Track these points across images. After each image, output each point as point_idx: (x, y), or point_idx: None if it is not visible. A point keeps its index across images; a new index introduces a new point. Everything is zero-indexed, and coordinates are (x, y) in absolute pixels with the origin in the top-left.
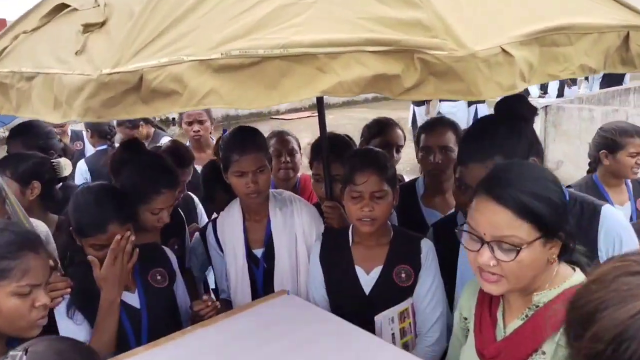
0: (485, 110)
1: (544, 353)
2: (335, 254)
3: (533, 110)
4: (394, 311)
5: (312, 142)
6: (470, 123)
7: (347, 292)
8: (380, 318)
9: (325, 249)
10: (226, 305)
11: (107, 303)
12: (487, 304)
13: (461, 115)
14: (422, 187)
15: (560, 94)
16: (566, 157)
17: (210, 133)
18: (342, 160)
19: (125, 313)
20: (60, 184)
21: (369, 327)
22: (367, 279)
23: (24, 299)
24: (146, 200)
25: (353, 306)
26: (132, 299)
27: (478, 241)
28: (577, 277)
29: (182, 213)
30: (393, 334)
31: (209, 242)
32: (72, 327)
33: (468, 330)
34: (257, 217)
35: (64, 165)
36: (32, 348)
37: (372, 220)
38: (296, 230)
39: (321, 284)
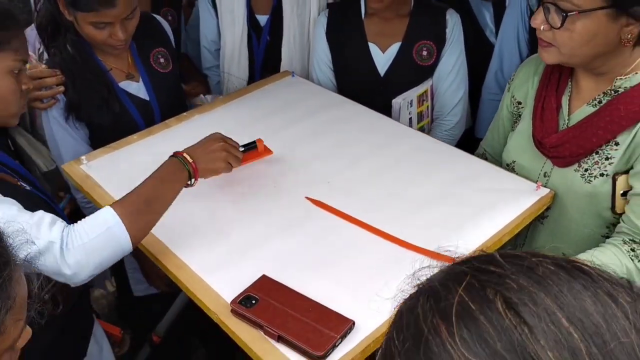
0: None
1: (617, 144)
2: (344, 29)
3: None
4: (413, 93)
5: None
6: None
7: (359, 73)
8: (398, 101)
9: (333, 22)
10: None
11: None
12: (554, 86)
13: None
14: None
15: None
16: None
17: None
18: None
19: (135, 106)
20: None
21: (383, 112)
22: (383, 58)
23: (16, 78)
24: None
25: (365, 90)
26: (139, 89)
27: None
28: None
29: None
30: (410, 118)
31: None
32: (71, 137)
33: (519, 116)
34: None
35: None
36: None
37: None
38: None
39: (327, 65)
